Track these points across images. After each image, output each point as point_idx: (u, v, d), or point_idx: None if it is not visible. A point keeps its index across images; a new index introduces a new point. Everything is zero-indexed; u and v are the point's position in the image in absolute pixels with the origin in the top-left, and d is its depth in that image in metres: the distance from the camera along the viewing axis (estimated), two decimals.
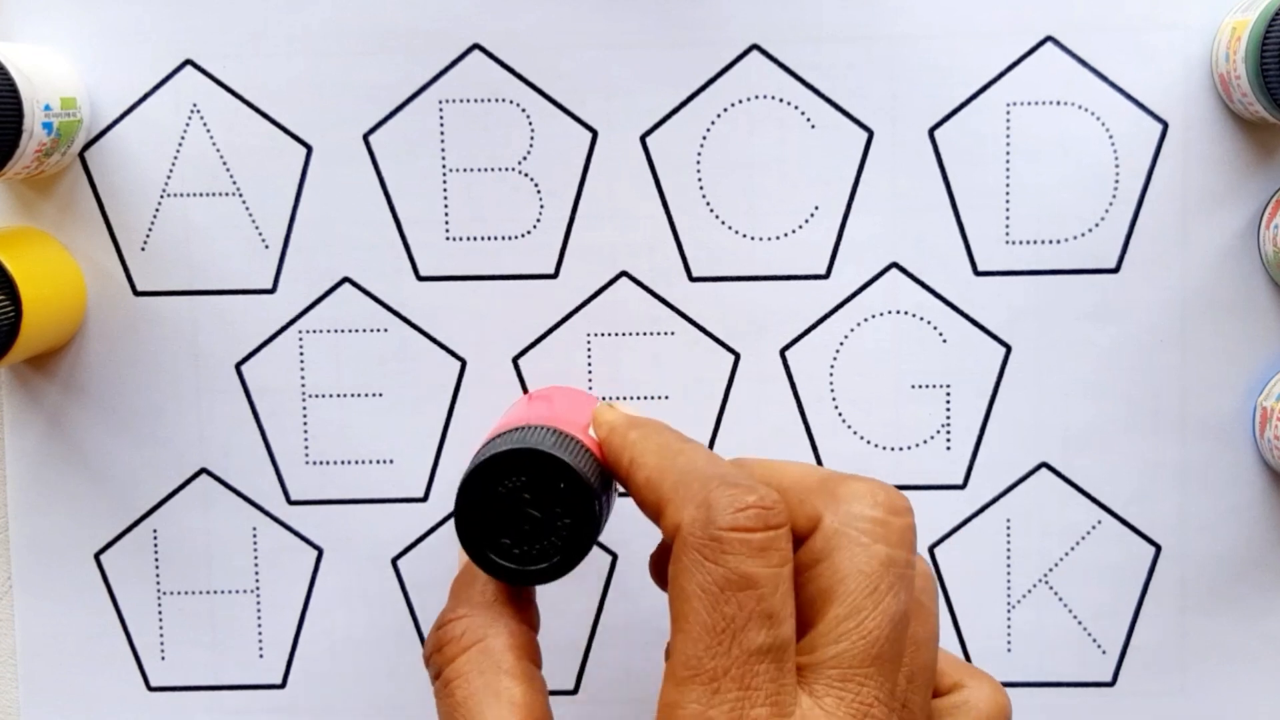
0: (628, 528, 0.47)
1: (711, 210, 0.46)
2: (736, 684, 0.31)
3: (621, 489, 0.38)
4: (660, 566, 0.39)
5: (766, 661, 0.31)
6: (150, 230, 0.46)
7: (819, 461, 0.46)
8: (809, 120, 0.45)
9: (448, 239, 0.46)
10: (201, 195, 0.46)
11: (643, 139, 0.45)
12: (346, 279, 0.46)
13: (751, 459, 0.37)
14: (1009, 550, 0.46)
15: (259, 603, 0.47)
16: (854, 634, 0.32)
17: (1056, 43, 0.45)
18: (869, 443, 0.46)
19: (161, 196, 0.46)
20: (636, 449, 0.36)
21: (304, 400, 0.47)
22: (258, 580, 0.47)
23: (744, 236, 0.46)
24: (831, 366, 0.46)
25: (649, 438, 0.37)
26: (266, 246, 0.46)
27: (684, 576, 0.32)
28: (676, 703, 0.31)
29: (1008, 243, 0.45)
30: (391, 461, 0.47)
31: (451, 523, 0.47)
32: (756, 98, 0.45)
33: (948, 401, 0.46)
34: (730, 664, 0.31)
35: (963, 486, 0.46)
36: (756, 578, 0.32)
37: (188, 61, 0.46)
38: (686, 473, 0.34)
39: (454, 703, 0.34)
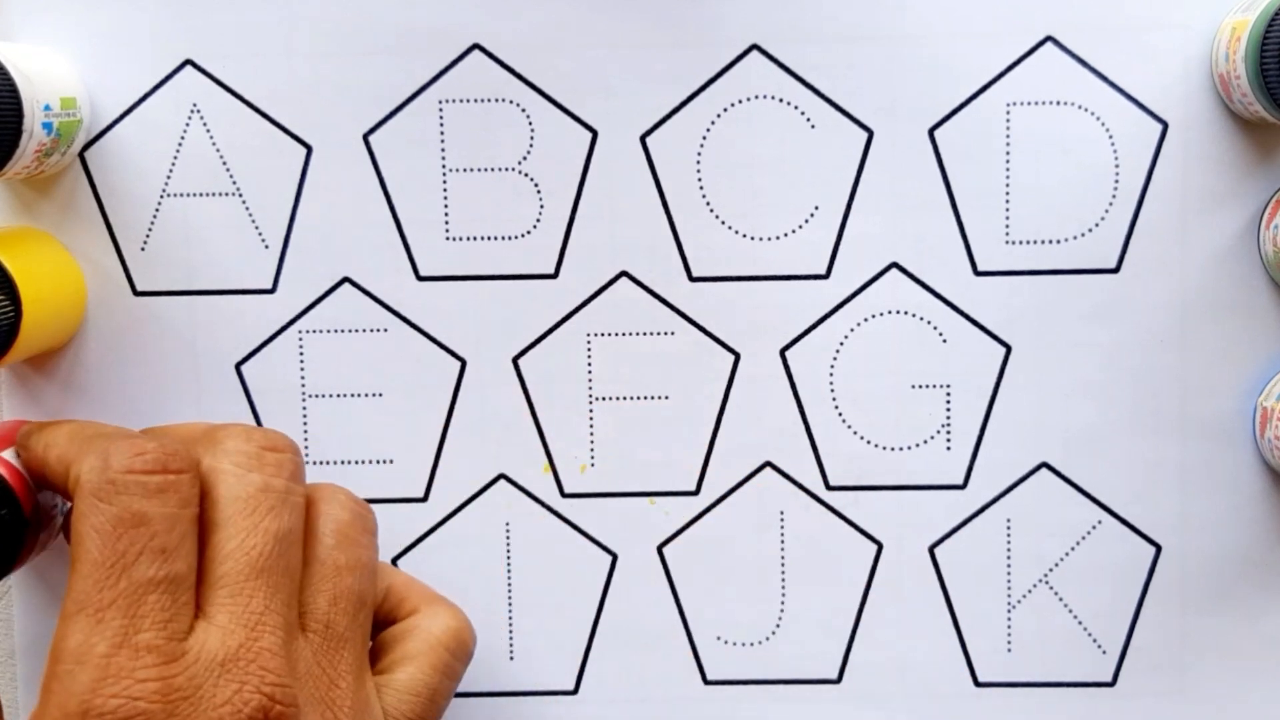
0: (628, 527, 0.47)
1: (711, 210, 0.46)
2: (122, 613, 0.32)
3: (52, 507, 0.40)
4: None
5: (158, 593, 0.32)
6: (150, 230, 0.46)
7: (819, 462, 0.46)
8: (809, 120, 0.45)
9: (448, 239, 0.46)
10: (201, 195, 0.46)
11: (643, 139, 0.45)
12: (346, 279, 0.46)
13: (153, 427, 0.39)
14: (1009, 550, 0.46)
15: None
16: (236, 553, 0.34)
17: (1056, 43, 0.45)
18: (869, 443, 0.46)
19: (161, 196, 0.46)
20: (50, 436, 0.38)
21: (304, 400, 0.47)
22: None
23: (744, 236, 0.46)
24: (831, 366, 0.46)
25: (62, 426, 0.38)
26: (266, 246, 0.46)
27: (80, 521, 0.33)
28: (63, 635, 0.32)
29: (1008, 243, 0.45)
30: (391, 461, 0.47)
31: (453, 523, 0.47)
32: (756, 98, 0.45)
33: (948, 401, 0.46)
34: (117, 595, 0.32)
35: (963, 486, 0.46)
36: (150, 515, 0.33)
37: (188, 62, 0.46)
38: (92, 438, 0.36)
39: None
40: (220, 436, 0.37)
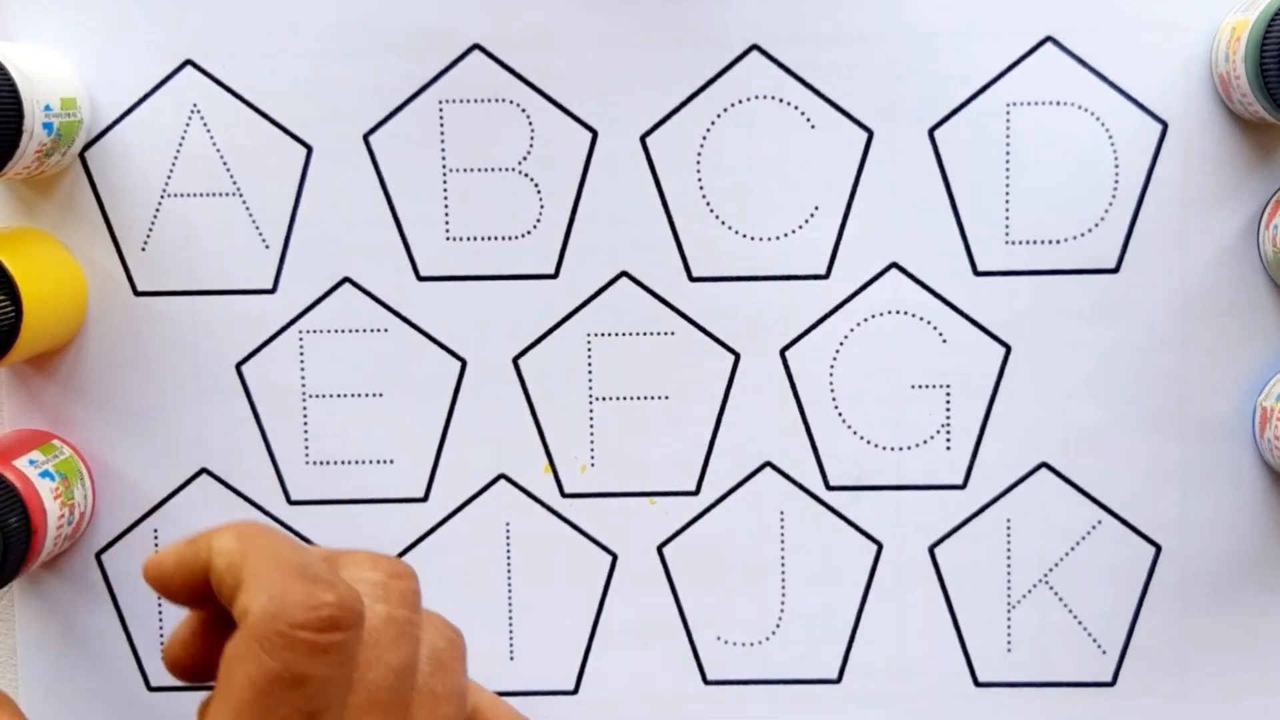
0: (628, 527, 0.47)
1: (711, 210, 0.46)
2: None
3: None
4: (190, 647, 0.37)
5: None
6: (151, 230, 0.46)
7: (819, 461, 0.46)
8: (809, 120, 0.45)
9: (448, 239, 0.46)
10: (202, 195, 0.46)
11: (643, 139, 0.45)
12: (347, 279, 0.46)
13: (299, 557, 0.36)
14: (1009, 550, 0.46)
15: None
16: (357, 686, 0.34)
17: (1056, 43, 0.45)
18: (869, 443, 0.46)
19: (162, 197, 0.46)
20: (219, 541, 0.35)
21: (304, 400, 0.47)
22: None
23: (744, 236, 0.46)
24: (831, 366, 0.46)
25: (227, 528, 0.36)
26: (267, 247, 0.46)
27: (237, 662, 0.33)
28: None
29: (1008, 243, 0.45)
30: (391, 461, 0.47)
31: (453, 523, 0.47)
32: (756, 98, 0.45)
33: (948, 401, 0.46)
34: None
35: (963, 486, 0.46)
36: (310, 678, 0.33)
37: (188, 62, 0.46)
38: (266, 555, 0.34)
39: None
40: (345, 563, 0.36)
